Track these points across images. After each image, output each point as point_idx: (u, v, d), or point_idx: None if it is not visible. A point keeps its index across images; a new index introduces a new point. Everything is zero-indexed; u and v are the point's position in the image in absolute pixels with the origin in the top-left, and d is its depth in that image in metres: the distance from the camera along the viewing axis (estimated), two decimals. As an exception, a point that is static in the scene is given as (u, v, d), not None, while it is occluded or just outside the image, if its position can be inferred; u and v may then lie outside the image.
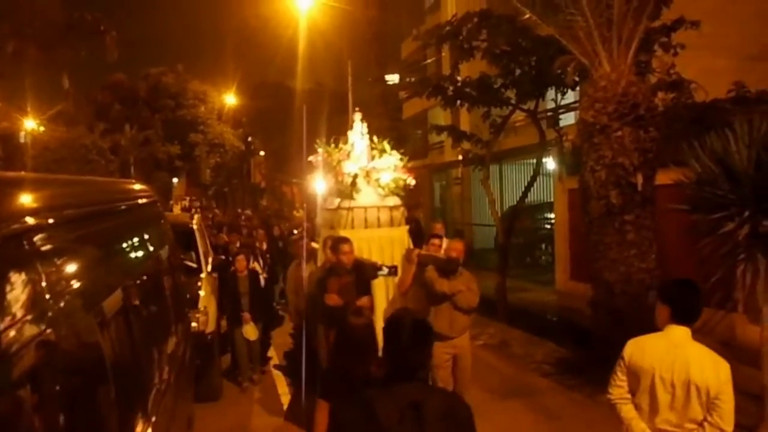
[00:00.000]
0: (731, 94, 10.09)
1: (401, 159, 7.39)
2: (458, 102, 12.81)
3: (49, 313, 1.85)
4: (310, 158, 7.88)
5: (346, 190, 7.09)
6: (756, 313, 5.81)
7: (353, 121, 7.62)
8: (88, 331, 2.20)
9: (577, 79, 9.57)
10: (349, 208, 7.04)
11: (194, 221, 9.27)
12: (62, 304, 1.95)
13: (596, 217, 7.49)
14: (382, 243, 6.98)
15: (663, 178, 7.51)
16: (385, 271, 6.19)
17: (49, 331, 1.81)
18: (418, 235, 8.65)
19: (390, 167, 7.28)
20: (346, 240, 5.92)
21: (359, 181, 7.16)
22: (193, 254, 8.36)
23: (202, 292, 7.56)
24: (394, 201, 7.31)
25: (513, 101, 12.80)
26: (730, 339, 7.63)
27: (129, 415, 2.59)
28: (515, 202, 14.35)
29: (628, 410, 3.50)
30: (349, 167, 7.19)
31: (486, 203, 14.12)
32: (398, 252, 6.97)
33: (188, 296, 6.16)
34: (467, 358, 6.13)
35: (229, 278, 8.08)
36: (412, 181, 7.43)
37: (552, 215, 15.19)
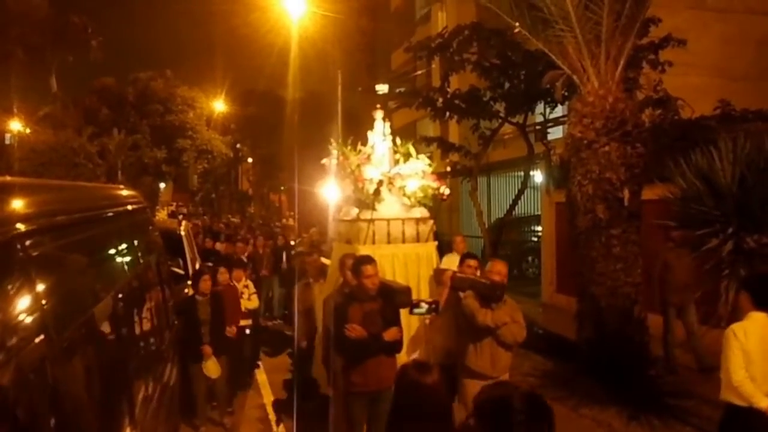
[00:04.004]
0: (716, 111, 10.26)
1: (429, 165, 6.40)
2: (447, 114, 12.90)
3: (42, 320, 1.85)
4: (323, 161, 6.87)
5: (368, 199, 6.08)
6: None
7: (371, 117, 6.66)
8: (80, 336, 2.20)
9: (565, 93, 9.66)
10: (370, 221, 5.99)
11: (182, 227, 9.24)
12: (54, 311, 1.96)
13: (583, 230, 7.54)
14: (407, 261, 6.02)
15: (649, 193, 7.59)
16: (424, 308, 4.95)
17: (41, 337, 1.81)
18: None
19: (417, 174, 6.28)
20: (370, 260, 4.85)
21: (381, 190, 6.21)
22: (180, 261, 8.33)
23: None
24: (421, 212, 6.32)
25: (502, 114, 12.91)
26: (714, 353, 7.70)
27: (117, 422, 2.59)
28: (503, 214, 14.44)
29: (751, 386, 4.09)
30: (371, 173, 6.17)
31: (474, 214, 14.18)
32: (425, 272, 6.04)
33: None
34: None
35: (186, 303, 6.57)
36: (446, 191, 6.40)
37: (539, 228, 15.28)
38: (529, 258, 17.03)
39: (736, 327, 4.19)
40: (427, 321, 5.26)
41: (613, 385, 6.94)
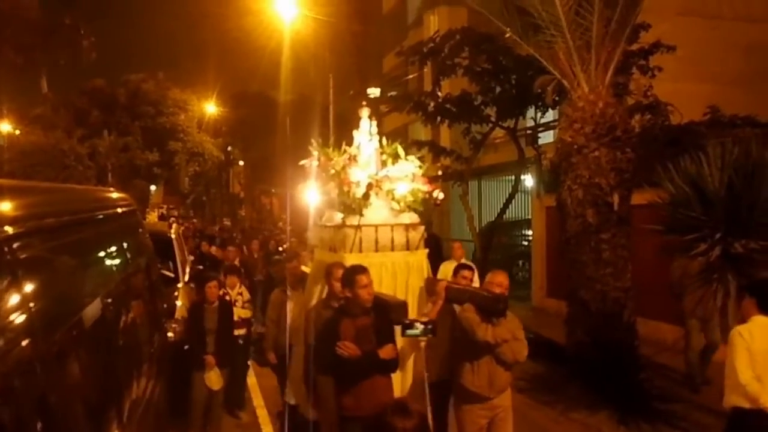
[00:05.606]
0: (706, 117, 10.34)
1: (420, 167, 5.98)
2: (439, 118, 12.94)
3: (29, 323, 1.84)
4: (302, 162, 6.45)
5: (355, 204, 5.60)
6: (727, 333, 5.92)
7: (359, 119, 6.18)
8: (68, 340, 2.20)
9: (556, 98, 9.71)
10: (357, 227, 5.52)
11: (172, 230, 9.21)
12: (42, 314, 1.95)
13: (573, 235, 7.58)
14: (397, 270, 5.58)
15: (638, 198, 7.64)
16: (419, 329, 4.50)
17: (28, 340, 1.81)
18: (437, 255, 7.11)
19: (407, 176, 5.85)
20: (363, 269, 4.48)
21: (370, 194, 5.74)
22: (171, 264, 8.30)
23: (179, 302, 7.50)
24: (411, 218, 5.87)
25: (493, 119, 12.96)
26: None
27: (105, 428, 2.58)
28: (494, 218, 14.48)
29: (758, 385, 4.14)
30: (358, 175, 5.72)
31: (464, 218, 14.22)
32: (415, 282, 5.62)
33: (165, 306, 6.09)
34: (508, 420, 4.89)
35: (193, 310, 6.43)
36: (440, 195, 5.96)
37: (529, 232, 15.34)
38: (520, 262, 17.07)
39: (741, 328, 4.30)
40: (422, 344, 4.81)
41: (603, 389, 6.96)
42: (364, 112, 6.09)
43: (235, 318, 7.05)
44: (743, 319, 4.40)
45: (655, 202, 6.25)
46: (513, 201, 13.92)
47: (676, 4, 13.82)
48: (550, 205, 11.74)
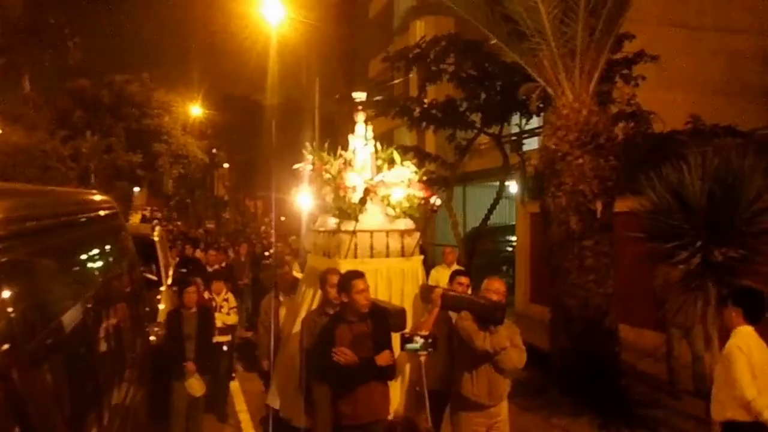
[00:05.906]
0: (688, 126, 10.46)
1: (416, 172, 5.92)
2: (424, 123, 12.98)
3: (8, 328, 1.82)
4: (296, 166, 6.34)
5: (350, 209, 5.53)
6: (707, 339, 5.99)
7: (355, 123, 6.12)
8: (48, 345, 2.17)
9: (541, 105, 9.77)
10: (353, 232, 5.44)
11: (155, 233, 9.15)
12: (22, 319, 1.93)
13: (556, 241, 7.62)
14: (392, 277, 5.52)
15: (621, 205, 7.70)
16: (419, 343, 4.47)
17: (6, 346, 1.79)
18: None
19: (403, 182, 5.78)
20: (359, 274, 4.42)
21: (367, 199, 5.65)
22: (154, 267, 8.24)
23: (161, 306, 7.44)
24: (406, 224, 5.79)
25: (478, 125, 13.03)
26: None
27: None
28: (478, 224, 14.54)
29: (762, 400, 4.06)
30: (354, 180, 5.65)
31: (449, 224, 14.26)
32: (410, 289, 5.56)
33: (147, 309, 6.03)
34: (506, 429, 4.88)
35: (172, 316, 6.26)
36: (437, 201, 5.89)
37: (514, 238, 15.41)
38: (504, 268, 17.13)
39: (738, 342, 4.19)
40: (422, 358, 4.59)
41: (585, 395, 7.00)
42: (360, 117, 6.05)
43: (220, 324, 6.98)
44: (726, 329, 4.34)
45: (637, 210, 6.29)
46: (497, 207, 13.98)
47: (659, 14, 14.00)
48: (534, 212, 11.82)
